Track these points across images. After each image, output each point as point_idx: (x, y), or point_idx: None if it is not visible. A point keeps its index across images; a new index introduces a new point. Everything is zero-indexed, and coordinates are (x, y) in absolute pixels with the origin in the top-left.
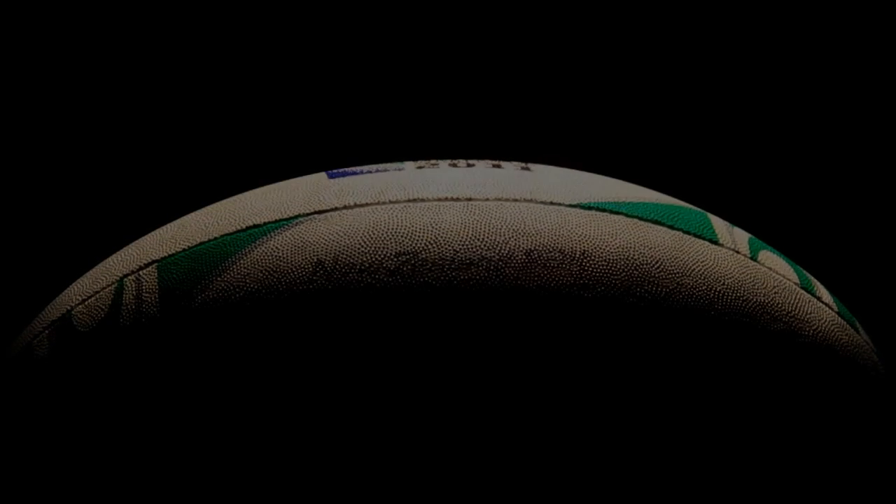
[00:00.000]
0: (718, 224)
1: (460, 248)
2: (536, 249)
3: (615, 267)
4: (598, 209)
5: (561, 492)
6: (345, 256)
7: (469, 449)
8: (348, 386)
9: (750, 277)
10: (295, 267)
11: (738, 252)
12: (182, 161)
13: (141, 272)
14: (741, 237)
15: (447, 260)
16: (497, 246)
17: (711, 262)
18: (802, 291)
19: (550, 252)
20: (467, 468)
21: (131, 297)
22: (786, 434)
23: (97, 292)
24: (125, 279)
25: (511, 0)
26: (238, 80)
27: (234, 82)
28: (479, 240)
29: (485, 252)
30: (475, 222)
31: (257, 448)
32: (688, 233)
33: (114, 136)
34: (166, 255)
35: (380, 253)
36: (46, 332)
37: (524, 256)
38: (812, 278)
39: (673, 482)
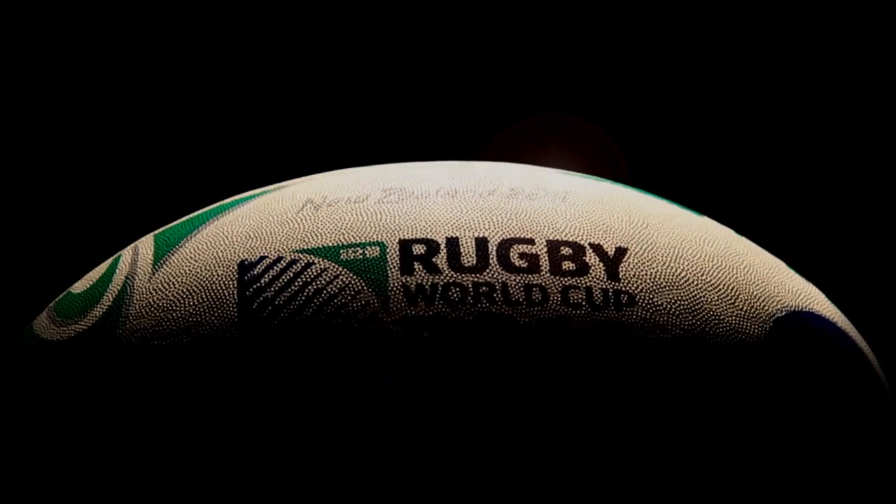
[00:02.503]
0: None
1: (446, 183)
2: (520, 186)
3: (598, 202)
4: (583, 177)
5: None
6: (333, 194)
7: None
8: (335, 314)
9: (735, 238)
10: (284, 206)
11: (723, 227)
12: (183, 164)
13: (139, 243)
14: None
15: (432, 191)
16: (482, 183)
17: (697, 221)
18: (790, 269)
19: (534, 189)
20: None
21: (127, 259)
22: (766, 403)
23: (96, 268)
24: (124, 251)
25: (505, 9)
26: (239, 86)
27: (235, 88)
28: (464, 179)
29: (470, 186)
30: (463, 173)
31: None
32: (672, 203)
33: (116, 139)
34: (166, 228)
35: (367, 189)
36: (46, 311)
37: (509, 191)
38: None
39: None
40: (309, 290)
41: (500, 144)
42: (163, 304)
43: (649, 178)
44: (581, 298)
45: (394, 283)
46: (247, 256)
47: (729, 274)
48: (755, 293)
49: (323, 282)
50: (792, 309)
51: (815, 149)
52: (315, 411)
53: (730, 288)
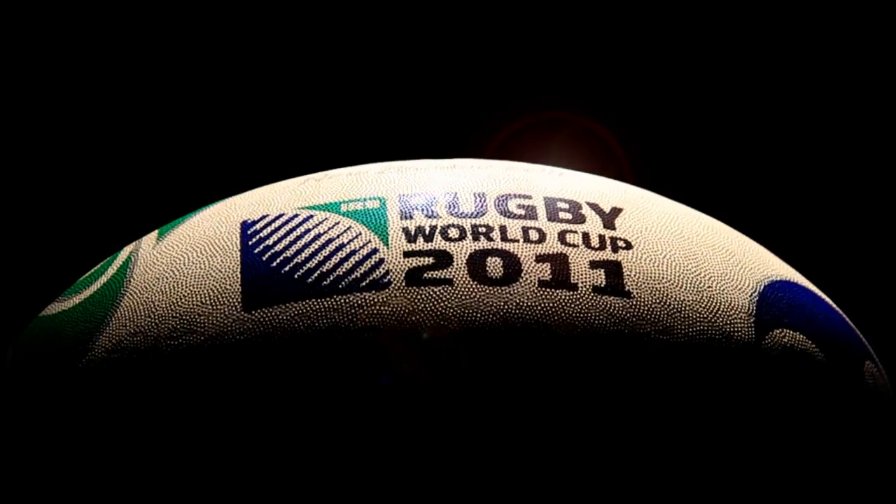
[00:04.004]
0: None
1: (444, 161)
2: (517, 164)
3: (593, 178)
4: None
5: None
6: (334, 172)
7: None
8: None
9: (728, 227)
10: (287, 183)
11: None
12: (182, 163)
13: (143, 237)
14: None
15: (431, 166)
16: (479, 161)
17: (687, 209)
18: None
19: (530, 167)
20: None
21: (131, 245)
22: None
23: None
24: (126, 246)
25: (505, 8)
26: (237, 85)
27: (233, 88)
28: (461, 161)
29: (467, 163)
30: (460, 159)
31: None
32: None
33: (117, 143)
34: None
35: (368, 167)
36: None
37: (505, 166)
38: None
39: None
40: (309, 234)
41: (499, 145)
42: (166, 260)
43: (651, 178)
44: (578, 240)
45: (394, 227)
46: (249, 217)
47: (724, 239)
48: (750, 258)
49: (324, 228)
50: (787, 279)
51: (818, 149)
52: (314, 344)
53: (725, 249)
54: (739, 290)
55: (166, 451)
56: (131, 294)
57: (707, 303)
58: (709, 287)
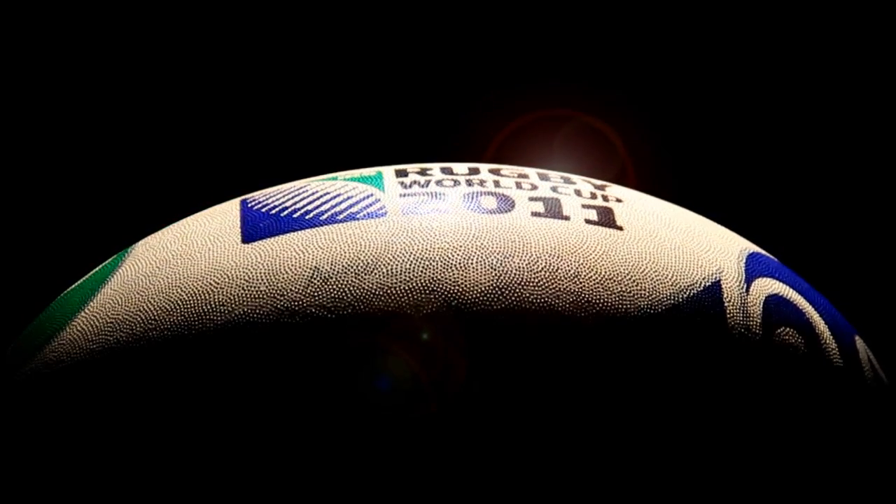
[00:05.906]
0: None
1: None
2: None
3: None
4: None
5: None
6: None
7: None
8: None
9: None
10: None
11: None
12: (182, 163)
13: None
14: None
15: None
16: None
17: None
18: None
19: None
20: None
21: (125, 253)
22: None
23: None
24: None
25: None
26: (237, 85)
27: (233, 88)
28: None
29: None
30: None
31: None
32: None
33: (116, 140)
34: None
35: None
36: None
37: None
38: None
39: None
40: (307, 192)
41: (500, 145)
42: (168, 233)
43: (653, 178)
44: (570, 192)
45: (389, 181)
46: (247, 196)
47: (707, 220)
48: (731, 234)
49: (322, 187)
50: (769, 256)
51: (821, 149)
52: (313, 263)
53: (708, 223)
54: (729, 242)
55: (171, 377)
56: (133, 256)
57: (698, 242)
58: (698, 236)
